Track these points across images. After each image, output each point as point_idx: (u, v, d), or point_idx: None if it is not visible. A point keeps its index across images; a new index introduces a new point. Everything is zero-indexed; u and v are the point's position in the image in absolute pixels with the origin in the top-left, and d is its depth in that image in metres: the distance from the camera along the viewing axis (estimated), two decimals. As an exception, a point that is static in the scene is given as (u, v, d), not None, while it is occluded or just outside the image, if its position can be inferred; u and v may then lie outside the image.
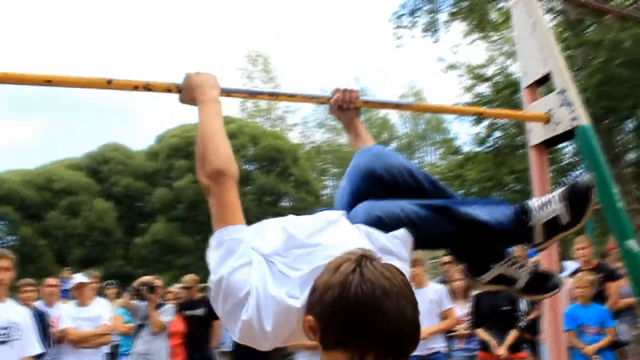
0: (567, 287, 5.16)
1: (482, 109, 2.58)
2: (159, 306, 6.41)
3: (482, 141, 20.84)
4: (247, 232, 1.44)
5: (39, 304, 5.96)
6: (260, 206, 24.44)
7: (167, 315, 6.45)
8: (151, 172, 26.29)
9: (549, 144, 2.52)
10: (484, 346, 5.48)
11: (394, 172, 1.64)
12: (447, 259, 6.59)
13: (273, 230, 1.53)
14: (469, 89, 22.03)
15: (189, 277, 7.48)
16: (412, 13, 19.24)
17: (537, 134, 2.52)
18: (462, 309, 6.07)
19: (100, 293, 7.48)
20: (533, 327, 5.84)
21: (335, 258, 1.22)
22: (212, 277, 1.36)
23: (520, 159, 20.43)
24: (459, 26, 21.77)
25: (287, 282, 1.33)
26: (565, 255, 6.64)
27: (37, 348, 4.38)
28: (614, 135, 15.45)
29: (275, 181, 26.32)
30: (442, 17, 19.38)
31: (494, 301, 5.44)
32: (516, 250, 5.22)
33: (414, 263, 5.19)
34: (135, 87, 1.93)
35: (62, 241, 23.47)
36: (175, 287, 8.39)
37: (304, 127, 37.78)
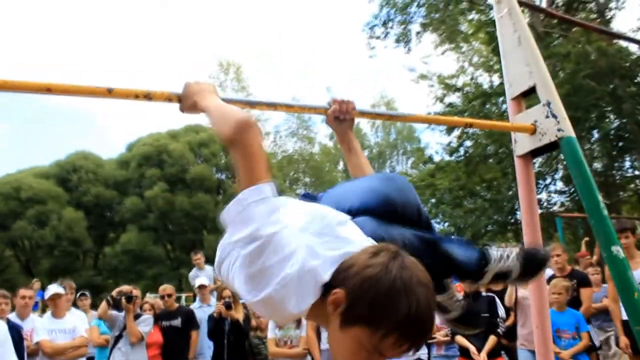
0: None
1: (472, 120, 2.63)
2: (137, 316, 6.32)
3: (453, 151, 21.19)
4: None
5: (12, 317, 5.82)
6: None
7: (146, 325, 6.36)
8: (122, 180, 25.95)
9: (535, 154, 2.60)
10: (464, 352, 5.58)
11: (407, 208, 1.73)
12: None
13: (298, 208, 1.56)
14: (440, 99, 22.39)
15: (165, 287, 7.40)
16: (384, 24, 19.48)
17: (522, 144, 2.60)
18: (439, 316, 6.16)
19: (74, 304, 7.34)
20: (510, 334, 5.96)
21: (371, 245, 1.31)
22: (252, 230, 1.28)
23: (491, 168, 20.86)
24: (430, 37, 22.16)
25: (318, 257, 1.34)
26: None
27: (14, 361, 4.29)
28: (580, 145, 15.86)
29: (247, 190, 26.20)
30: (414, 28, 19.67)
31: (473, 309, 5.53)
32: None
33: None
34: (136, 96, 1.93)
35: (30, 251, 22.94)
36: (150, 297, 8.28)
37: (276, 136, 37.76)
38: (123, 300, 6.18)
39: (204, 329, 6.98)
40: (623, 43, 15.33)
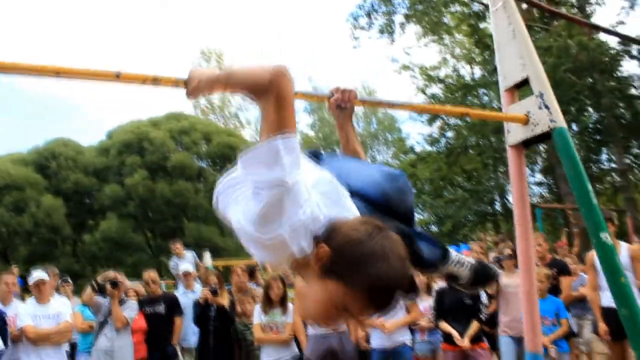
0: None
1: (468, 109, 2.70)
2: (121, 302, 6.31)
3: (434, 141, 21.40)
4: None
5: (-5, 302, 5.78)
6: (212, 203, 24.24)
7: (131, 311, 6.36)
8: (101, 168, 25.67)
9: (527, 145, 2.68)
10: (447, 338, 5.69)
11: (401, 209, 1.83)
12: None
13: (310, 167, 1.66)
14: (422, 90, 22.54)
15: (150, 273, 7.38)
16: (369, 14, 19.50)
17: (515, 134, 2.67)
18: (423, 303, 6.28)
19: (56, 290, 7.29)
20: (491, 321, 6.10)
21: (362, 215, 1.44)
22: (279, 176, 1.33)
23: (471, 159, 21.13)
24: (414, 28, 22.21)
25: (321, 212, 1.44)
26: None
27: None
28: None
29: (229, 178, 26.15)
30: (398, 19, 19.72)
31: (456, 296, 5.65)
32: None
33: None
34: (144, 81, 1.95)
35: (8, 238, 22.61)
36: (131, 284, 8.23)
37: (258, 125, 37.54)
38: (108, 285, 6.18)
39: (189, 315, 7.01)
40: (603, 37, 15.58)
